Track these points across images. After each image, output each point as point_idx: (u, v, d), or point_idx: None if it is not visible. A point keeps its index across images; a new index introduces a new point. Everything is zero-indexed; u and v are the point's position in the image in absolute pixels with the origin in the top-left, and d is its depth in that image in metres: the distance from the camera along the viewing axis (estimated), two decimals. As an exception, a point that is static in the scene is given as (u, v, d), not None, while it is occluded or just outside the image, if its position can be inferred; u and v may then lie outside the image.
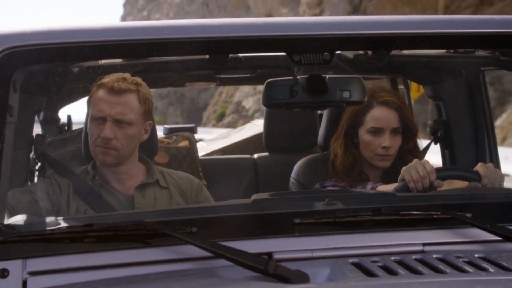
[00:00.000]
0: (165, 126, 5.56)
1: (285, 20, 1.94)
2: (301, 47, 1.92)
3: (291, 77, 2.02)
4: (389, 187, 2.46)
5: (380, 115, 2.75)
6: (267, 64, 3.07)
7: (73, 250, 1.59)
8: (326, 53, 1.94)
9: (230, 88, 31.27)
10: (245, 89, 29.19)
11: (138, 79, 2.57)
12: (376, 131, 2.74)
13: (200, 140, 5.57)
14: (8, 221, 1.70)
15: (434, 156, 3.25)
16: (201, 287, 1.54)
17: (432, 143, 3.18)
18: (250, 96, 28.83)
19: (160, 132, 5.36)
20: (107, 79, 2.52)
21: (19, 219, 1.70)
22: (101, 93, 2.51)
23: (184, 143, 3.56)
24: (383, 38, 1.95)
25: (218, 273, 1.58)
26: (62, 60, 2.06)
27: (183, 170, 3.03)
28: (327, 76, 2.04)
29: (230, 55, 2.78)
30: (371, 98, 2.77)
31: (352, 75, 2.16)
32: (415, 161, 2.39)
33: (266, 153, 4.07)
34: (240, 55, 2.85)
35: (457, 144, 3.07)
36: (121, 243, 1.61)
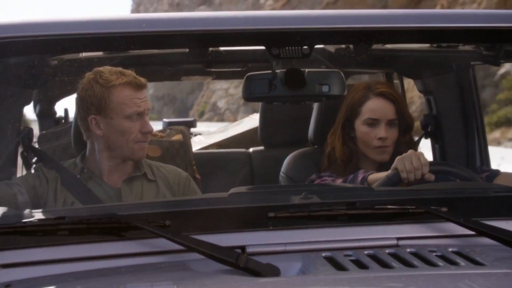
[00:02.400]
0: (164, 120, 5.57)
1: (264, 13, 1.94)
2: (279, 40, 1.91)
3: (270, 71, 2.02)
4: (381, 175, 2.46)
5: (376, 106, 2.75)
6: (256, 58, 3.06)
7: (45, 243, 1.60)
8: (305, 47, 1.93)
9: (208, 92, 39.16)
10: (219, 92, 37.16)
11: None
12: (372, 123, 2.74)
13: (199, 134, 5.57)
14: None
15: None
16: (172, 280, 1.54)
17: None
18: (223, 98, 36.65)
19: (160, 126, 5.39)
20: (126, 78, 2.52)
21: (-6, 211, 1.70)
22: (127, 92, 2.52)
23: (178, 137, 3.54)
24: (363, 32, 1.94)
25: (189, 267, 1.58)
26: (41, 53, 2.06)
27: (176, 164, 3.02)
28: (306, 70, 2.03)
29: (210, 49, 2.78)
30: (367, 90, 2.77)
31: (331, 69, 2.15)
32: (410, 151, 2.40)
33: (261, 147, 4.06)
34: (221, 48, 2.85)
35: (447, 139, 3.06)
36: (93, 236, 1.62)
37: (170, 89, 45.35)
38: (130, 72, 2.56)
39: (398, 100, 2.78)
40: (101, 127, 2.55)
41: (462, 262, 1.53)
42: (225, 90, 36.44)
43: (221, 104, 37.00)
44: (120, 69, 2.56)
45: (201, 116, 37.28)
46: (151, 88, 44.29)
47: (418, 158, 2.35)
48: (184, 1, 50.42)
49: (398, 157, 2.40)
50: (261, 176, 3.91)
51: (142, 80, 2.56)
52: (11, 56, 2.10)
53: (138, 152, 2.59)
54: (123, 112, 2.52)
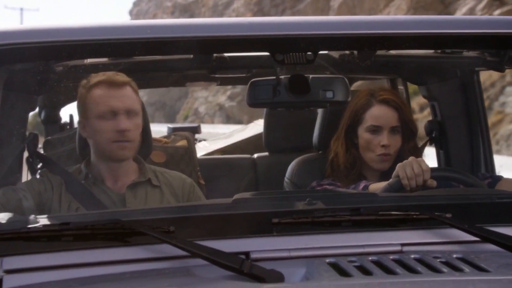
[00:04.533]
0: (169, 125, 5.59)
1: (268, 19, 1.94)
2: (284, 46, 1.92)
3: (274, 77, 2.02)
4: (381, 185, 2.45)
5: (378, 113, 2.74)
6: (260, 64, 3.07)
7: (50, 248, 1.60)
8: (309, 53, 1.93)
9: (192, 99, 44.88)
10: (201, 99, 42.73)
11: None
12: (375, 130, 2.73)
13: (204, 140, 5.58)
14: (-11, 219, 1.71)
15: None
16: (176, 285, 1.54)
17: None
18: (203, 104, 42.02)
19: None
20: (101, 77, 2.53)
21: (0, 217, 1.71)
22: (100, 91, 2.51)
23: (182, 143, 3.55)
24: (367, 38, 1.94)
25: (194, 272, 1.58)
26: (46, 59, 2.07)
27: (181, 170, 3.03)
28: (310, 76, 2.04)
29: (215, 55, 2.78)
30: (371, 97, 2.77)
31: (335, 75, 2.16)
32: (411, 158, 2.39)
33: (266, 153, 4.07)
34: (226, 54, 2.86)
35: (451, 145, 3.05)
36: (98, 242, 1.62)
37: (161, 96, 49.93)
38: (110, 73, 2.54)
39: (402, 107, 2.77)
40: (86, 129, 2.56)
41: (466, 268, 1.53)
42: (205, 98, 41.86)
43: (202, 109, 42.20)
44: (109, 72, 2.56)
45: (185, 120, 42.28)
46: (145, 96, 49.54)
47: (419, 164, 2.34)
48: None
49: (399, 164, 2.39)
50: (266, 182, 3.91)
51: (120, 78, 2.51)
52: (17, 63, 2.11)
53: (116, 151, 2.53)
54: (96, 112, 2.51)
